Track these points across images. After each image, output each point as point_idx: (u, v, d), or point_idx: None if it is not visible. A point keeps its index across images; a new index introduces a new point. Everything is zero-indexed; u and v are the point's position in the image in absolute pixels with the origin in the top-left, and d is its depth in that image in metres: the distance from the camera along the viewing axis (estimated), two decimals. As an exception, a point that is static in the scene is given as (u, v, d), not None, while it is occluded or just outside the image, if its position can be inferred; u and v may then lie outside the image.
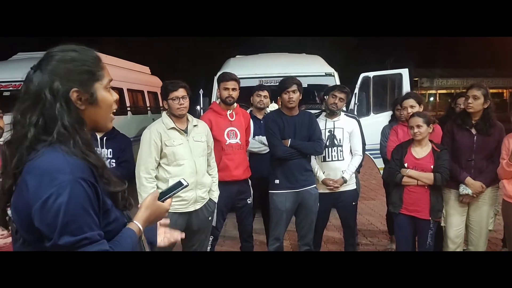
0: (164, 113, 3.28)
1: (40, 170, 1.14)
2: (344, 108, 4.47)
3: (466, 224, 3.65)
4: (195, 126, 3.28)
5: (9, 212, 1.23)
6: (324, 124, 3.88)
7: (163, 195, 1.49)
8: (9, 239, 2.43)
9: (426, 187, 3.48)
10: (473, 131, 3.52)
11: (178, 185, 1.54)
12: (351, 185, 3.92)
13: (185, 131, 3.22)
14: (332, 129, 3.87)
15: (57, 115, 1.20)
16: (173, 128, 3.17)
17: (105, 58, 1.36)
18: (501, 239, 4.66)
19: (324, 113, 3.98)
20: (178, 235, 1.64)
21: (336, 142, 3.87)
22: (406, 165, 3.53)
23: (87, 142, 1.25)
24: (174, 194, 1.51)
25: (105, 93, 1.32)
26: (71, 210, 1.11)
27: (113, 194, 1.30)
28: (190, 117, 3.30)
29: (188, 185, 1.59)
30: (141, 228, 1.37)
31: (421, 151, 3.54)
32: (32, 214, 1.12)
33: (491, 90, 3.70)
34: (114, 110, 1.39)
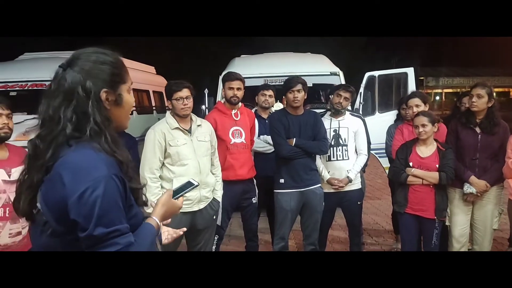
0: (168, 113, 3.29)
1: (76, 165, 1.19)
2: (349, 107, 4.46)
3: (471, 223, 3.64)
4: (198, 126, 3.29)
5: (38, 205, 1.25)
6: (329, 123, 3.87)
7: (175, 194, 1.58)
8: (18, 238, 2.45)
9: (431, 186, 3.47)
10: (477, 130, 3.51)
11: (189, 185, 1.65)
12: (356, 185, 3.91)
13: (189, 131, 3.22)
14: (337, 129, 3.87)
15: (90, 112, 1.25)
16: (177, 128, 3.18)
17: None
18: (507, 238, 4.64)
19: (329, 112, 3.98)
20: (180, 230, 1.71)
21: (341, 141, 3.86)
22: (411, 164, 3.52)
23: (115, 139, 1.30)
24: (186, 193, 1.62)
25: (128, 95, 1.39)
26: (106, 203, 1.17)
27: (135, 191, 1.37)
28: (194, 117, 3.30)
29: (198, 185, 1.68)
30: (159, 223, 1.45)
31: (426, 150, 3.53)
32: (68, 206, 1.16)
33: (497, 89, 3.71)
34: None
